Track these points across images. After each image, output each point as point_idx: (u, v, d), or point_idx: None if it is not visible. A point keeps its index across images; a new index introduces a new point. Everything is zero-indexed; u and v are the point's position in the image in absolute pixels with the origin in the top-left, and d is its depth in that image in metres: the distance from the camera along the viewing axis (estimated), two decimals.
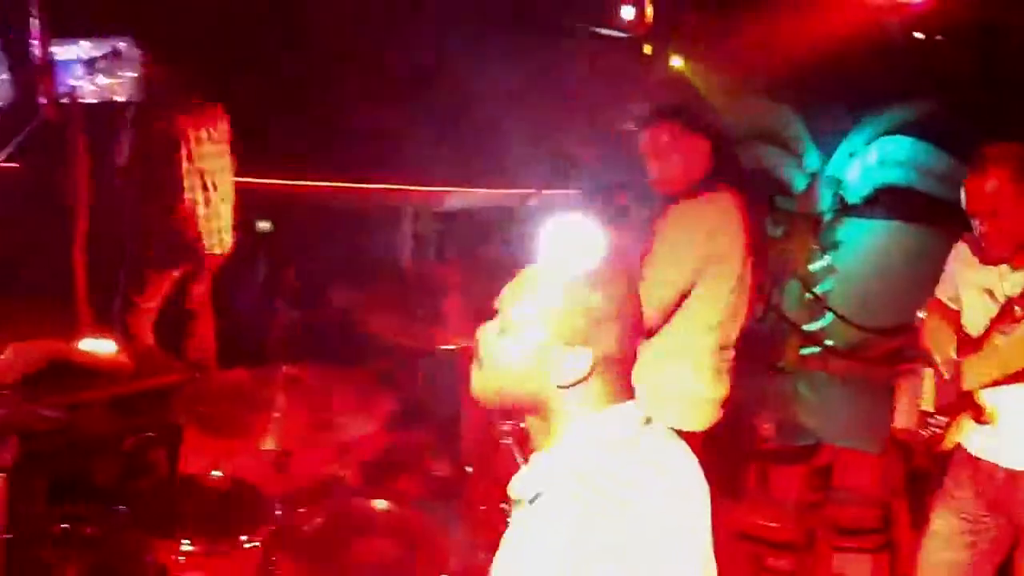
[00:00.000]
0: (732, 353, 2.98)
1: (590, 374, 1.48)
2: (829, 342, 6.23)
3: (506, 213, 5.46)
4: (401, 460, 3.11)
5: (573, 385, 1.48)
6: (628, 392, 1.53)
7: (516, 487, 1.50)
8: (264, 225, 6.06)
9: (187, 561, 2.22)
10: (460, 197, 6.36)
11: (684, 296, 2.77)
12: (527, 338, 1.50)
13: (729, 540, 3.89)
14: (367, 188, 6.18)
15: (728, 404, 3.00)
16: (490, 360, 1.53)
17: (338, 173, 6.08)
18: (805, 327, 6.22)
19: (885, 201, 6.26)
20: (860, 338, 6.10)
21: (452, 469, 3.63)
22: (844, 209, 6.35)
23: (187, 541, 2.25)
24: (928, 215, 5.95)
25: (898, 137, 6.16)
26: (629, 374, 1.54)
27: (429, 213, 6.39)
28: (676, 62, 6.30)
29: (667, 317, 2.76)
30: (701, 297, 2.79)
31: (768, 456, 4.44)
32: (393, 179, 6.15)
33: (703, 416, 2.91)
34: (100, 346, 3.11)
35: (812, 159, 6.41)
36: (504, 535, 1.57)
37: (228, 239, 4.48)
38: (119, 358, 3.05)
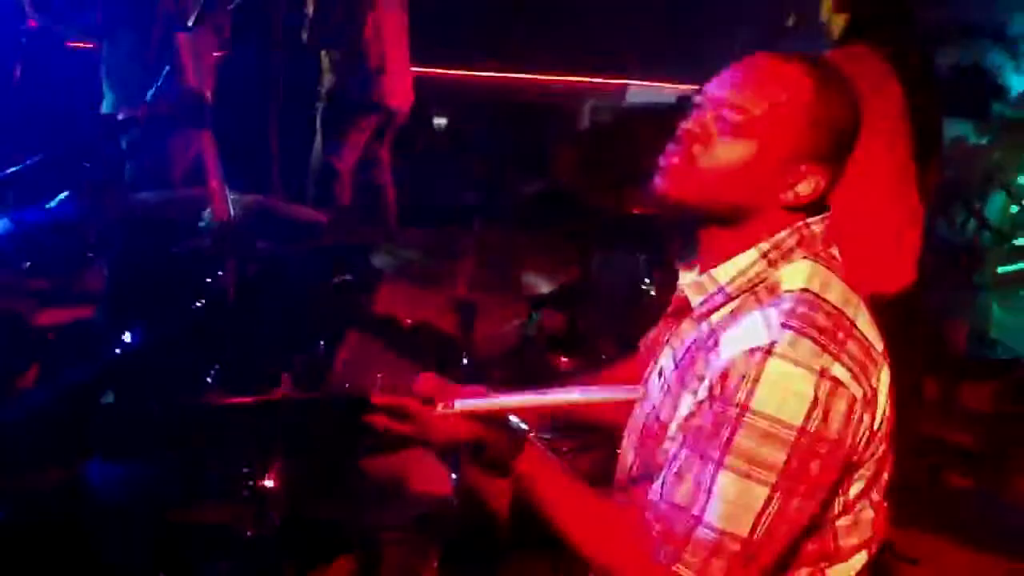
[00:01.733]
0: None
1: (817, 198, 1.39)
2: None
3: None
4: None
5: (797, 208, 1.38)
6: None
7: (693, 289, 1.44)
8: (440, 121, 6.18)
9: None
10: (639, 91, 6.20)
11: None
12: (768, 144, 1.35)
13: (910, 449, 3.77)
14: (542, 80, 6.14)
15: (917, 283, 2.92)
16: (711, 158, 1.37)
17: (518, 65, 6.06)
18: (1010, 243, 5.81)
19: None
20: None
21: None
22: None
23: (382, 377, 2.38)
24: None
25: None
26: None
27: (607, 108, 6.29)
28: None
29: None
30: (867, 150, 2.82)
31: (958, 367, 4.24)
32: (570, 71, 6.07)
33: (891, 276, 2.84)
34: (296, 204, 3.31)
35: None
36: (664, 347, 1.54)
37: (411, 95, 4.63)
38: (314, 214, 3.23)
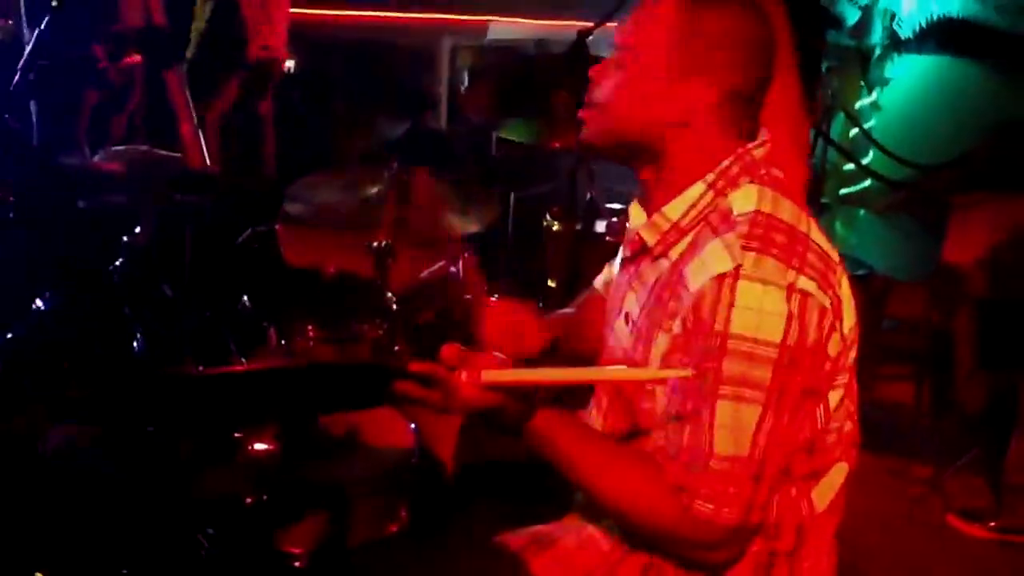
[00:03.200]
0: None
1: (709, 111, 1.41)
2: (870, 180, 6.20)
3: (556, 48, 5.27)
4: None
5: (691, 124, 1.41)
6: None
7: (647, 230, 1.47)
8: (289, 63, 5.91)
9: (315, 347, 2.25)
10: (503, 28, 6.10)
11: None
12: (644, 67, 1.40)
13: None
14: (399, 17, 5.97)
15: None
16: (607, 97, 1.43)
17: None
18: (848, 166, 6.18)
19: (939, 34, 6.08)
20: (905, 174, 6.07)
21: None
22: (895, 43, 6.18)
23: (312, 329, 2.28)
24: (983, 49, 5.79)
25: None
26: (756, 118, 1.45)
27: (469, 47, 6.16)
28: None
29: None
30: None
31: None
32: (428, 8, 5.92)
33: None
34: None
35: None
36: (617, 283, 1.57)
37: (284, 50, 4.44)
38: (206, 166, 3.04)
